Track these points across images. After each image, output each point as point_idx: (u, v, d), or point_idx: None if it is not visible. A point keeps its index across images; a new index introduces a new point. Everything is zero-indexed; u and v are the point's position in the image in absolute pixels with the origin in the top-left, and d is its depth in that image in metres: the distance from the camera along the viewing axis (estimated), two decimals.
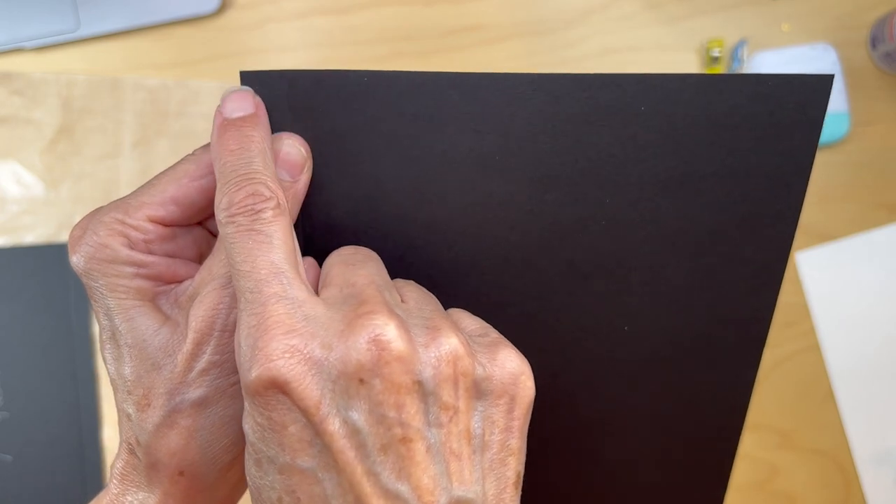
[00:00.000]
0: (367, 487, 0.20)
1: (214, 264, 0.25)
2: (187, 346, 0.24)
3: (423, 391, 0.21)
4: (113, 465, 0.27)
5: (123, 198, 0.26)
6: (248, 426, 0.21)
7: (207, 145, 0.26)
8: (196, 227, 0.27)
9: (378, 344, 0.20)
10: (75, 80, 0.56)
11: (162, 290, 0.26)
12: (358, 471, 0.20)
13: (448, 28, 0.58)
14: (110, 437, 0.56)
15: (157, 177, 0.26)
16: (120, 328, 0.25)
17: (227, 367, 0.25)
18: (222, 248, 0.25)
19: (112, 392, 0.27)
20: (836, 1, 0.58)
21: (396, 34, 0.58)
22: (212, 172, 0.26)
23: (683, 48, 0.58)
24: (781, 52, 0.58)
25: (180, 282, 0.26)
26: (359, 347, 0.20)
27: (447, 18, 0.58)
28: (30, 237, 0.56)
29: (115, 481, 0.26)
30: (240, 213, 0.22)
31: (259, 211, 0.22)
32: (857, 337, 0.58)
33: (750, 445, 0.58)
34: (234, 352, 0.25)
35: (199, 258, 0.27)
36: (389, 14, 0.58)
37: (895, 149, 0.58)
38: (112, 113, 0.56)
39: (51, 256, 0.56)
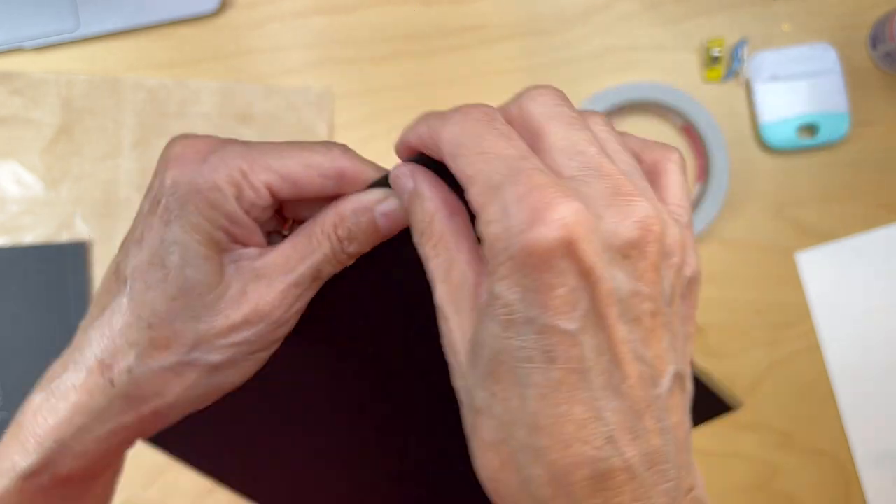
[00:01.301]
0: (622, 349, 0.21)
1: (295, 256, 0.25)
2: (236, 315, 0.25)
3: (667, 275, 0.22)
4: (62, 379, 0.27)
5: (251, 147, 0.25)
6: (503, 287, 0.21)
7: (348, 153, 0.26)
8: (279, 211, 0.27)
9: (643, 225, 0.21)
10: (75, 80, 0.56)
11: (230, 248, 0.26)
12: (616, 335, 0.21)
13: (448, 28, 0.58)
14: None
15: (288, 146, 0.25)
16: (183, 268, 0.25)
17: (256, 346, 0.25)
18: (306, 245, 0.25)
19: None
20: (836, 1, 0.58)
21: (396, 34, 0.58)
22: (334, 182, 0.26)
23: (683, 48, 0.58)
24: (781, 52, 0.58)
25: (246, 246, 0.26)
26: (627, 224, 0.21)
27: (447, 18, 0.58)
28: (30, 237, 0.56)
29: (70, 394, 0.26)
30: (472, 112, 0.23)
31: (494, 119, 0.23)
32: (858, 337, 0.58)
33: (750, 445, 0.58)
34: (271, 341, 0.26)
35: (267, 236, 0.27)
36: (389, 14, 0.58)
37: (895, 149, 0.58)
38: (112, 113, 0.57)
39: (51, 256, 0.56)
